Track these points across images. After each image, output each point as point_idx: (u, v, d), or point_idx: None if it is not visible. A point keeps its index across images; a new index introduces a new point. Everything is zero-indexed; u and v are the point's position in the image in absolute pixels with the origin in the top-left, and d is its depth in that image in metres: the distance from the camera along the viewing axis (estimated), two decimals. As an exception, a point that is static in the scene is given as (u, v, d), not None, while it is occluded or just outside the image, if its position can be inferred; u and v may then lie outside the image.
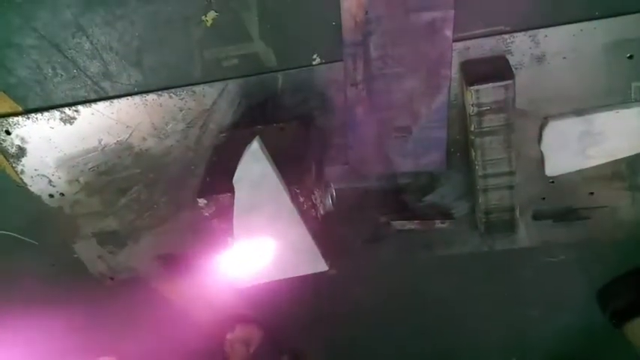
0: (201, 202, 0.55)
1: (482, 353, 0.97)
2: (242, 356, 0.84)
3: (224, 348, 0.87)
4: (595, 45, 0.56)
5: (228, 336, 0.86)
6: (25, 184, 0.70)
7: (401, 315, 0.89)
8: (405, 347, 0.95)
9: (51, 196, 0.71)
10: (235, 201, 0.53)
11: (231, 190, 0.53)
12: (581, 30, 0.55)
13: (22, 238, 0.78)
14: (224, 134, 0.62)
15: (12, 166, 0.68)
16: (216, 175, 0.57)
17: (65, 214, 0.73)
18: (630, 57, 0.56)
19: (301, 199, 0.54)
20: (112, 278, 0.81)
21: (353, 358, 0.98)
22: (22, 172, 0.68)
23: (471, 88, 0.54)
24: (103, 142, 0.66)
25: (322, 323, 0.91)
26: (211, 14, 0.56)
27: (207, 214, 0.55)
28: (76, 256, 0.79)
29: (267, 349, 0.86)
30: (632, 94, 0.59)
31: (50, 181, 0.69)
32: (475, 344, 0.95)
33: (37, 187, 0.70)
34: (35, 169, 0.68)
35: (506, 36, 0.55)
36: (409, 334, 0.93)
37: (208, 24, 0.56)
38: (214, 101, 0.61)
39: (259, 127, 0.60)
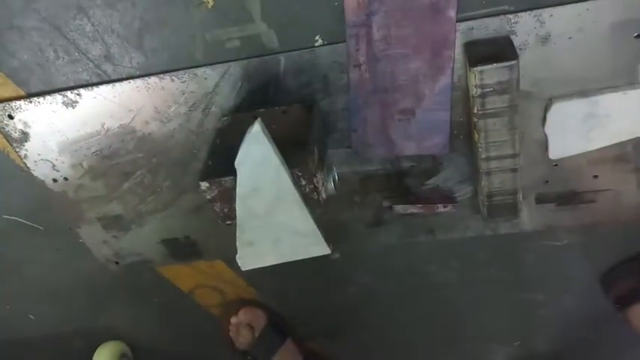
0: (204, 185, 0.55)
1: (485, 337, 0.97)
2: (247, 340, 0.85)
3: (229, 332, 0.87)
4: (601, 25, 0.55)
5: (233, 320, 0.86)
6: (29, 169, 0.70)
7: (403, 299, 0.89)
8: (408, 331, 0.96)
9: (54, 180, 0.71)
10: (237, 184, 0.53)
11: (233, 173, 0.53)
12: (588, 9, 0.54)
13: (27, 222, 0.78)
14: (226, 117, 0.62)
15: (15, 150, 0.68)
16: (219, 159, 0.57)
17: (69, 198, 0.73)
18: (637, 36, 0.55)
19: (303, 183, 0.54)
20: (117, 263, 0.82)
21: (355, 341, 0.98)
22: (26, 156, 0.69)
23: (475, 69, 0.53)
24: (105, 126, 0.66)
25: (325, 306, 0.91)
26: (212, -5, 0.56)
27: (209, 197, 0.55)
28: (81, 240, 0.79)
29: (272, 333, 0.87)
30: (639, 75, 0.58)
31: (54, 165, 0.69)
32: (478, 328, 0.95)
33: (40, 171, 0.70)
34: (38, 154, 0.68)
35: (510, 16, 0.54)
36: (412, 318, 0.93)
37: (210, 5, 0.56)
38: (216, 84, 0.61)
39: (262, 110, 0.60)
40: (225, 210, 0.56)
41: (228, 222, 0.57)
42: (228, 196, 0.55)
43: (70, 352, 0.98)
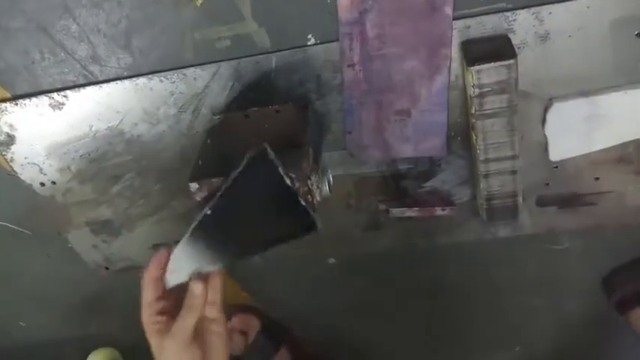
0: (193, 186, 0.53)
1: (485, 342, 0.96)
2: (239, 346, 0.83)
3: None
4: (602, 22, 0.53)
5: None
6: (16, 173, 0.68)
7: (401, 304, 0.88)
8: (406, 337, 0.94)
9: (42, 184, 0.69)
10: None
11: (224, 173, 0.51)
12: (588, 7, 0.52)
13: (15, 227, 0.77)
14: (217, 116, 0.60)
15: (1, 153, 0.67)
16: (209, 159, 0.55)
17: (57, 202, 0.71)
18: (639, 35, 0.54)
19: (297, 185, 0.53)
20: (107, 268, 0.80)
21: (352, 347, 0.97)
22: (12, 160, 0.67)
23: (472, 68, 0.52)
24: (93, 129, 0.64)
25: (321, 312, 0.90)
26: (201, -7, 0.54)
27: (199, 199, 0.54)
28: (70, 245, 0.78)
29: (265, 339, 0.85)
30: (641, 74, 0.57)
31: (41, 169, 0.68)
32: (478, 333, 0.94)
33: (27, 175, 0.68)
34: (25, 157, 0.67)
35: (508, 13, 0.53)
36: (410, 323, 0.92)
37: (198, 3, 0.54)
38: (206, 84, 0.60)
39: (254, 108, 0.58)
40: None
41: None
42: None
43: (61, 359, 0.97)
